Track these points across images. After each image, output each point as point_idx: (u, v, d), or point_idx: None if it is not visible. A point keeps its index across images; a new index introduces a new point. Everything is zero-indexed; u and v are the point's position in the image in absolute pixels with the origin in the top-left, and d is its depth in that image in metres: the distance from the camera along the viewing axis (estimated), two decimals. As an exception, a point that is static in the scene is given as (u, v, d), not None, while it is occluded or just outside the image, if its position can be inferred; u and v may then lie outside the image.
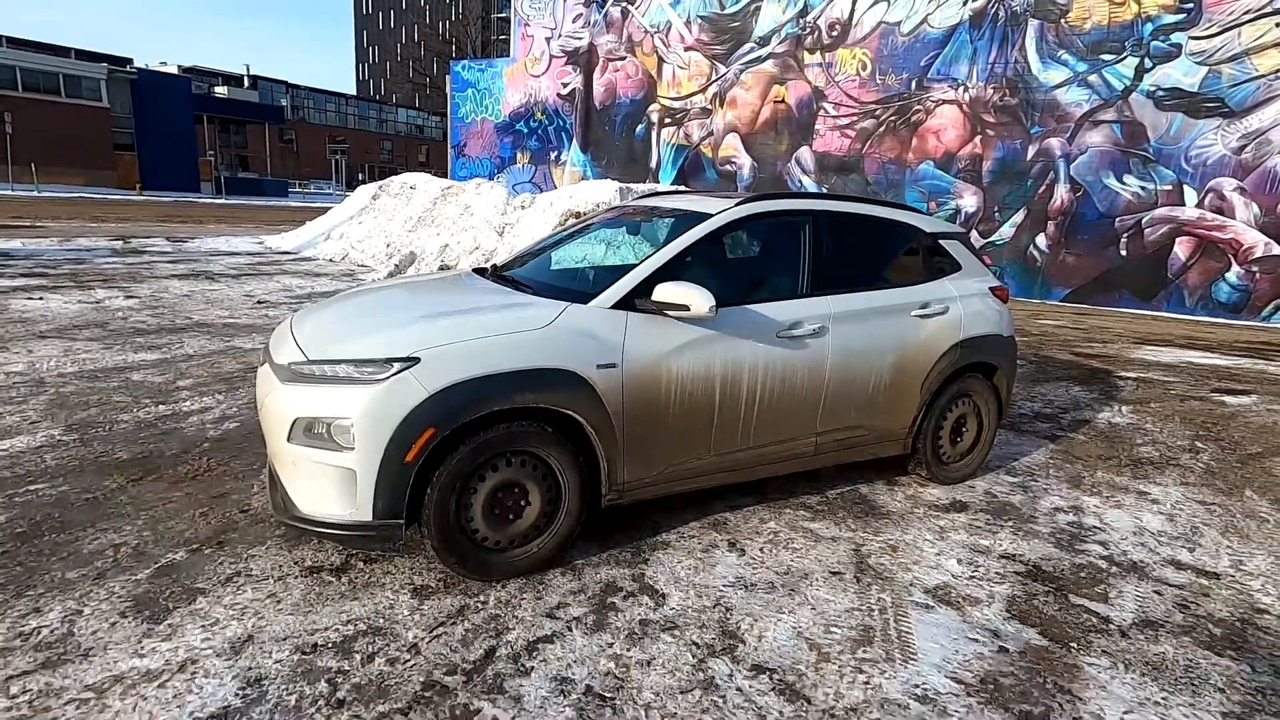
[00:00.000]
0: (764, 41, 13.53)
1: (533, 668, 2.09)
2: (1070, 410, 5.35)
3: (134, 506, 2.99)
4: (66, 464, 3.38)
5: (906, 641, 2.32)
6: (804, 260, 3.15)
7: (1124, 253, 10.87)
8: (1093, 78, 10.76)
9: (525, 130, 17.17)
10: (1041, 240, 11.44)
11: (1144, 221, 10.69)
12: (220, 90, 59.22)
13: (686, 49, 14.49)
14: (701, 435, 2.84)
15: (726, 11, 13.90)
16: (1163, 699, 2.11)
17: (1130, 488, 3.85)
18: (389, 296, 3.14)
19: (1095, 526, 3.33)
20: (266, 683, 1.97)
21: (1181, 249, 10.47)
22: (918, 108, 12.15)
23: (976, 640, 2.35)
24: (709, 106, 14.39)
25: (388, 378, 2.28)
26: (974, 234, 11.59)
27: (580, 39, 15.84)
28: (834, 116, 13.01)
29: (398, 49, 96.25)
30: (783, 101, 13.46)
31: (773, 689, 2.05)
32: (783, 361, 2.95)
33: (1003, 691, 2.10)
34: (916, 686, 2.10)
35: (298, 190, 50.15)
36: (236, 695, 1.92)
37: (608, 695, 1.99)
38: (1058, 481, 3.89)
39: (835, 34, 12.78)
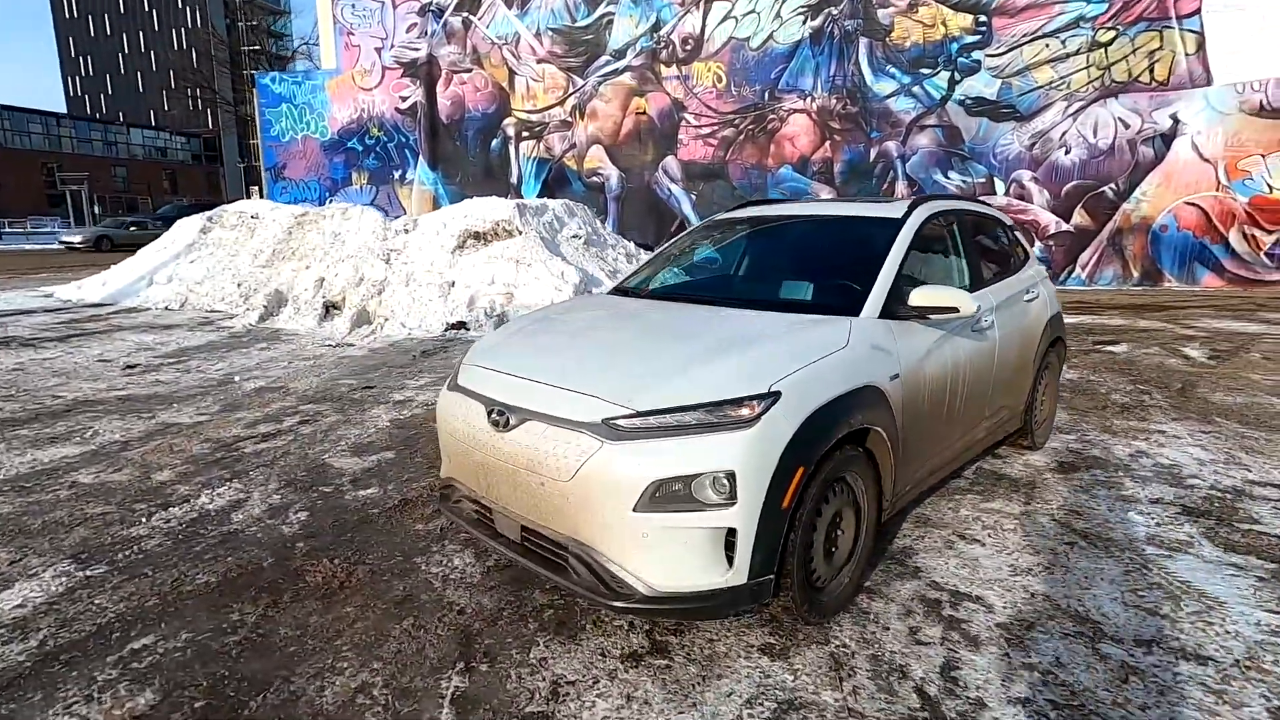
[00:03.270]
0: (620, 54, 13.76)
1: (981, 699, 1.99)
2: (1029, 372, 6.18)
3: (316, 639, 2.31)
4: (143, 605, 2.50)
5: (1200, 590, 2.57)
6: (962, 256, 3.33)
7: (955, 237, 12.71)
8: (916, 89, 12.47)
9: (360, 148, 15.68)
10: (890, 231, 12.99)
11: (966, 209, 12.60)
12: None
13: (539, 61, 14.25)
14: (938, 435, 2.88)
15: (578, 24, 13.92)
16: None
17: (1148, 430, 4.55)
18: (608, 326, 2.77)
19: (1173, 464, 3.90)
20: (770, 794, 1.66)
21: (997, 231, 12.51)
22: (772, 117, 13.17)
23: (1239, 574, 2.67)
24: (569, 119, 14.29)
25: (758, 417, 2.02)
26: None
27: (418, 50, 14.86)
28: (695, 126, 13.62)
29: (119, 60, 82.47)
30: (644, 113, 13.79)
31: (1177, 657, 2.17)
32: (978, 353, 3.09)
33: (1308, 611, 2.41)
34: (1264, 624, 2.33)
35: (9, 230, 40.60)
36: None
37: (1075, 704, 1.96)
38: (1098, 432, 4.48)
39: (689, 48, 13.39)
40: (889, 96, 12.62)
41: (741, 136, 13.39)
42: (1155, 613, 2.42)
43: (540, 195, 14.44)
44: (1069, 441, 4.30)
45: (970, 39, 12.06)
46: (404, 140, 15.40)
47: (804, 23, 12.73)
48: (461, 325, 8.81)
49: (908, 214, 3.05)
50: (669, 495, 1.99)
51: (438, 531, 3.10)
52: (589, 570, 2.10)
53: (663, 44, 13.51)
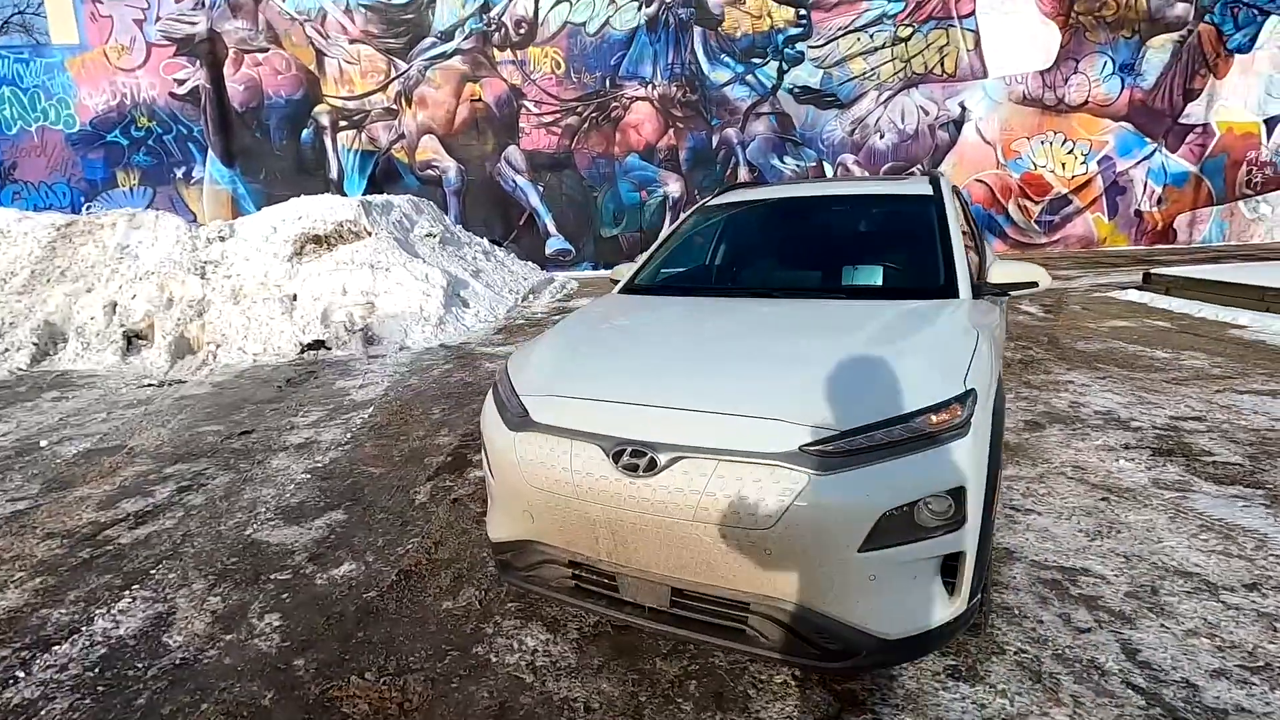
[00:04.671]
0: (447, 36, 12.68)
1: (1187, 680, 1.94)
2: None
3: (418, 796, 1.67)
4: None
5: (1238, 525, 2.79)
6: (971, 230, 3.34)
7: (794, 218, 13.52)
8: (749, 77, 12.99)
9: (125, 141, 12.87)
10: (737, 215, 13.47)
11: (802, 192, 13.44)
12: None
13: (352, 41, 12.68)
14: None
15: (395, 2, 12.57)
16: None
17: (1058, 381, 5.05)
18: (703, 333, 2.36)
19: (1108, 411, 4.32)
20: None
21: (829, 211, 13.51)
22: (615, 104, 12.99)
23: (1248, 504, 2.96)
24: (394, 106, 12.92)
25: (967, 421, 1.77)
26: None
27: (194, 23, 12.46)
28: (537, 114, 13.02)
29: None
30: (480, 100, 12.89)
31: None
32: (1001, 323, 3.12)
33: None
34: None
35: None
36: None
37: (1260, 664, 1.98)
38: (1026, 388, 4.87)
39: (523, 32, 12.72)
40: (725, 85, 13.02)
41: (586, 125, 13.05)
42: (1228, 554, 2.58)
43: (367, 192, 12.96)
44: (1012, 400, 4.62)
45: (794, 30, 12.80)
46: (185, 131, 12.92)
47: (639, 9, 12.67)
48: (320, 344, 7.56)
49: (937, 189, 2.98)
50: (894, 526, 1.68)
51: (477, 606, 2.48)
52: (784, 630, 1.73)
53: (494, 27, 12.68)
